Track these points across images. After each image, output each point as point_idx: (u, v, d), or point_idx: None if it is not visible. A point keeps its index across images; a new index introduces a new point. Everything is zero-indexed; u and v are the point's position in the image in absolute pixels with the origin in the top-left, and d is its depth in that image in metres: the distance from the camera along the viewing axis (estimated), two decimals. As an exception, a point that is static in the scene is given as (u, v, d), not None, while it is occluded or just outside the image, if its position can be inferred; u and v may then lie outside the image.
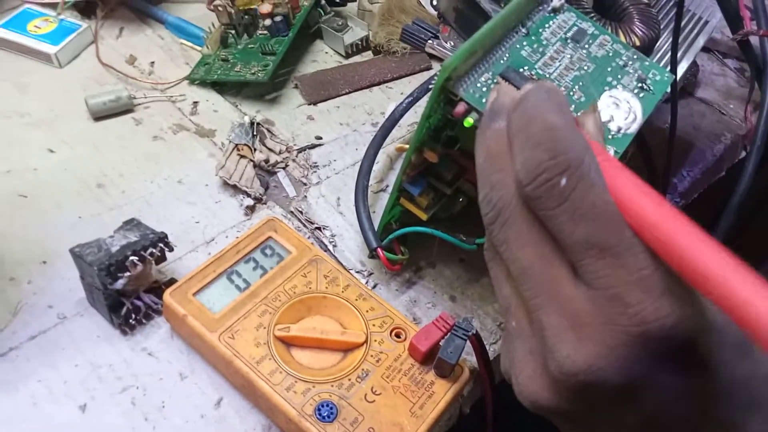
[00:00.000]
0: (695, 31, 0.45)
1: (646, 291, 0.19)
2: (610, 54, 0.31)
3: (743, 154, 0.55)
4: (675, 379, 0.21)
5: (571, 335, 0.20)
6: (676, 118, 0.39)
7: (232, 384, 0.33)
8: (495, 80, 0.27)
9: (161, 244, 0.33)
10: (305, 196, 0.43)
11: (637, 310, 0.19)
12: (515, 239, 0.22)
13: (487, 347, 0.35)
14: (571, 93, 0.29)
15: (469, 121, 0.27)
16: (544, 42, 0.30)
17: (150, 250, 0.33)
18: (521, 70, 0.29)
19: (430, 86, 0.36)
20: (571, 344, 0.20)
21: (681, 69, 0.42)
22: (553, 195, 0.20)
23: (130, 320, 0.34)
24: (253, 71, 0.47)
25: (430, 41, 0.42)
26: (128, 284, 0.33)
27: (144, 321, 0.34)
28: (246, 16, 0.50)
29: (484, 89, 0.27)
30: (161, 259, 0.34)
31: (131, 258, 0.32)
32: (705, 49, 0.60)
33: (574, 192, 0.20)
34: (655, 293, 0.19)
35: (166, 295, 0.33)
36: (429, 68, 0.54)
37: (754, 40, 0.51)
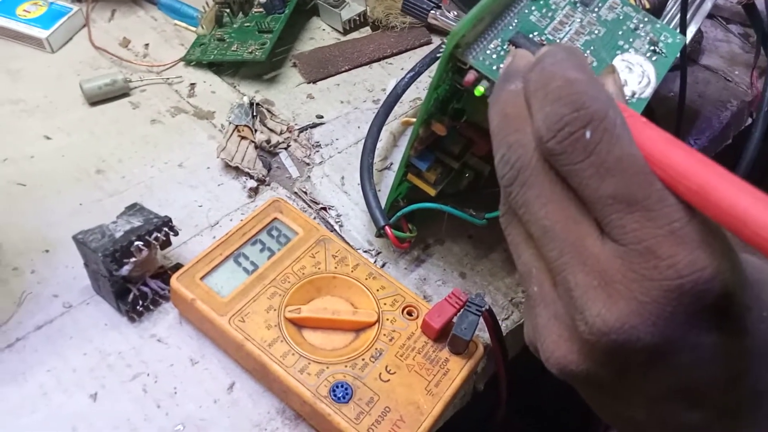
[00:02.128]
0: (702, -5, 0.44)
1: (680, 243, 0.18)
2: (621, 17, 0.30)
3: (749, 120, 0.54)
4: (710, 339, 0.20)
5: (601, 293, 0.19)
6: (685, 83, 0.39)
7: (243, 368, 0.32)
8: (505, 47, 0.27)
9: (166, 228, 0.33)
10: (309, 177, 0.42)
11: (671, 263, 0.18)
12: (536, 199, 0.21)
13: (500, 323, 0.34)
14: (583, 58, 0.28)
15: (479, 89, 0.26)
16: (553, 6, 0.29)
17: (155, 234, 0.32)
18: (531, 35, 0.28)
19: (438, 54, 0.35)
20: (601, 302, 0.19)
21: (690, 33, 0.41)
22: (578, 149, 0.19)
23: (138, 307, 0.33)
24: (250, 50, 0.46)
25: (432, 11, 0.40)
26: (134, 270, 0.32)
27: (152, 307, 0.34)
28: (240, -6, 0.49)
29: (494, 56, 0.26)
30: (166, 243, 0.33)
31: (136, 243, 0.31)
32: (708, 15, 0.58)
33: (599, 145, 0.19)
34: (690, 245, 0.18)
35: (174, 280, 0.32)
36: (429, 42, 0.52)
37: (760, 3, 0.50)
